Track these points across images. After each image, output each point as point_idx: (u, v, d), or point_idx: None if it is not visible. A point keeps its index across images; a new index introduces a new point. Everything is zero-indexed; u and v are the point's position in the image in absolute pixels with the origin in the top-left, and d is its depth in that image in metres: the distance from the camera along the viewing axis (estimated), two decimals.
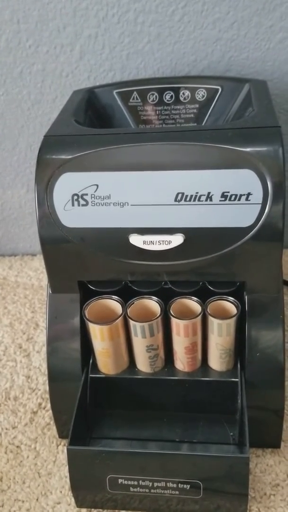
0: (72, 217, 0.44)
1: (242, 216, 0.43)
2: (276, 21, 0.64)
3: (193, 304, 0.48)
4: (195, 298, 0.48)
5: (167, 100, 0.59)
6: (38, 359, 0.64)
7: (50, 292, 0.49)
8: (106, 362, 0.49)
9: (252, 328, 0.47)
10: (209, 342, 0.48)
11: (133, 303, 0.48)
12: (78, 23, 0.65)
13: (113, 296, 0.49)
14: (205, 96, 0.58)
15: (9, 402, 0.59)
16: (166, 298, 0.48)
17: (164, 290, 0.48)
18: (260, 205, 0.42)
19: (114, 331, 0.47)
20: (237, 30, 0.65)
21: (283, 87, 0.68)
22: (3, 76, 0.70)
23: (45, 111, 0.72)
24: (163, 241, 0.44)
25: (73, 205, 0.44)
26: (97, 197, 0.44)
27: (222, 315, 0.47)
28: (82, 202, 0.44)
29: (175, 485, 0.44)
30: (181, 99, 0.59)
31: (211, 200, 0.43)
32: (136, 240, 0.44)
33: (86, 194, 0.44)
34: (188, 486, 0.44)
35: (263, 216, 0.42)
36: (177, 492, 0.44)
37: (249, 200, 0.42)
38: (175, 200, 0.43)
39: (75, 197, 0.44)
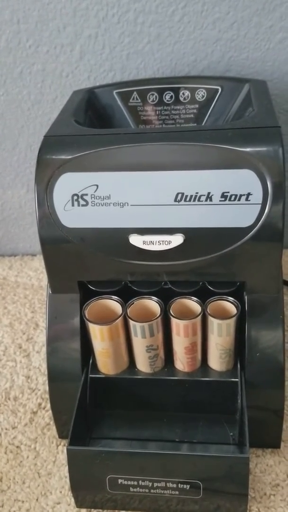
0: (72, 217, 0.44)
1: (242, 216, 0.43)
2: (276, 21, 0.64)
3: (193, 304, 0.48)
4: (195, 298, 0.48)
5: (167, 100, 0.59)
6: (38, 359, 0.64)
7: (50, 292, 0.49)
8: (106, 362, 0.49)
9: (252, 328, 0.47)
10: (209, 342, 0.48)
11: (133, 303, 0.48)
12: (78, 23, 0.65)
13: (113, 296, 0.49)
14: (205, 96, 0.58)
15: (9, 402, 0.58)
16: (166, 298, 0.48)
17: (164, 290, 0.48)
18: (260, 205, 0.42)
19: (114, 331, 0.47)
20: (237, 30, 0.65)
21: (283, 87, 0.68)
22: (3, 76, 0.70)
23: (45, 111, 0.72)
24: (163, 241, 0.44)
25: (73, 205, 0.44)
26: (97, 197, 0.44)
27: (222, 315, 0.47)
28: (82, 202, 0.44)
29: (175, 485, 0.44)
30: (181, 99, 0.59)
31: (211, 200, 0.43)
32: (136, 240, 0.44)
33: (86, 194, 0.44)
34: (188, 486, 0.44)
35: (263, 216, 0.42)
36: (177, 492, 0.44)
37: (249, 200, 0.42)
38: (175, 200, 0.43)
39: (75, 197, 0.44)
